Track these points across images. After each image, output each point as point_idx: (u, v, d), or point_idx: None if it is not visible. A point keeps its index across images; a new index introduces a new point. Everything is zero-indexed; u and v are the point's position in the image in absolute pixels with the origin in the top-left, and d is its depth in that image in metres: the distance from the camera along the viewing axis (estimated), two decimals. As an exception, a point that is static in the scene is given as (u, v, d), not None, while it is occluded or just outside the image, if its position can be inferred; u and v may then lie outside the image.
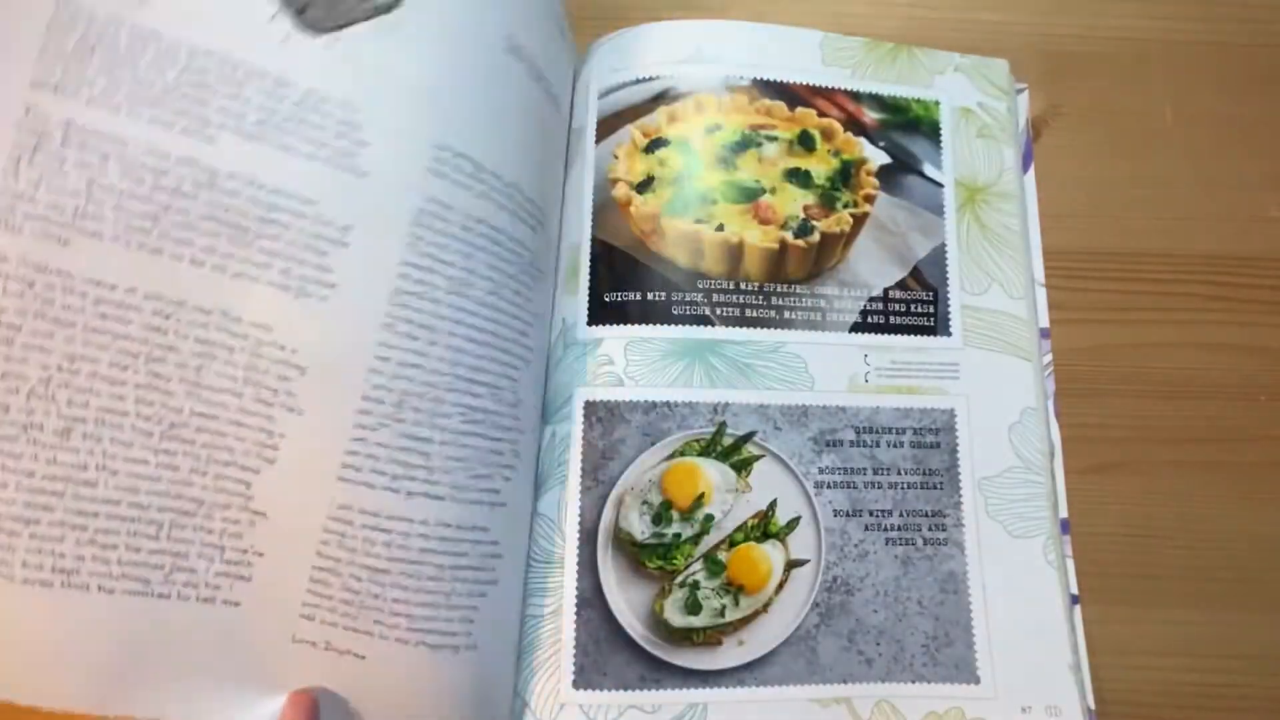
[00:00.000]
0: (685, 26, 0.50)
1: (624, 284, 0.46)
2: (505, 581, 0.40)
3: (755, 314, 0.46)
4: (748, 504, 0.44)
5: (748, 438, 0.44)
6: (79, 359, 0.32)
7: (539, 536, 0.43)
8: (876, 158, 0.49)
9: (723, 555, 0.43)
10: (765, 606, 0.42)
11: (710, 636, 0.41)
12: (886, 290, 0.47)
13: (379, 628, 0.35)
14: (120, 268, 0.32)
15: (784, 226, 0.47)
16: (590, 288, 0.46)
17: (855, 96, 0.50)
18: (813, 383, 0.45)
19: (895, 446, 0.45)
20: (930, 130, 0.50)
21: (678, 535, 0.43)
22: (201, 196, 0.33)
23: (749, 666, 0.41)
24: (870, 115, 0.50)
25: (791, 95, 0.50)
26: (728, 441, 0.44)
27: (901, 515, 0.44)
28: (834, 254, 0.48)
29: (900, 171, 0.49)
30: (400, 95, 0.36)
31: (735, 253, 0.46)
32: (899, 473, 0.45)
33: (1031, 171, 0.51)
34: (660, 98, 0.49)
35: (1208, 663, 0.43)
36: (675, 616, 0.41)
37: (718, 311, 0.46)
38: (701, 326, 0.45)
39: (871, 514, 0.44)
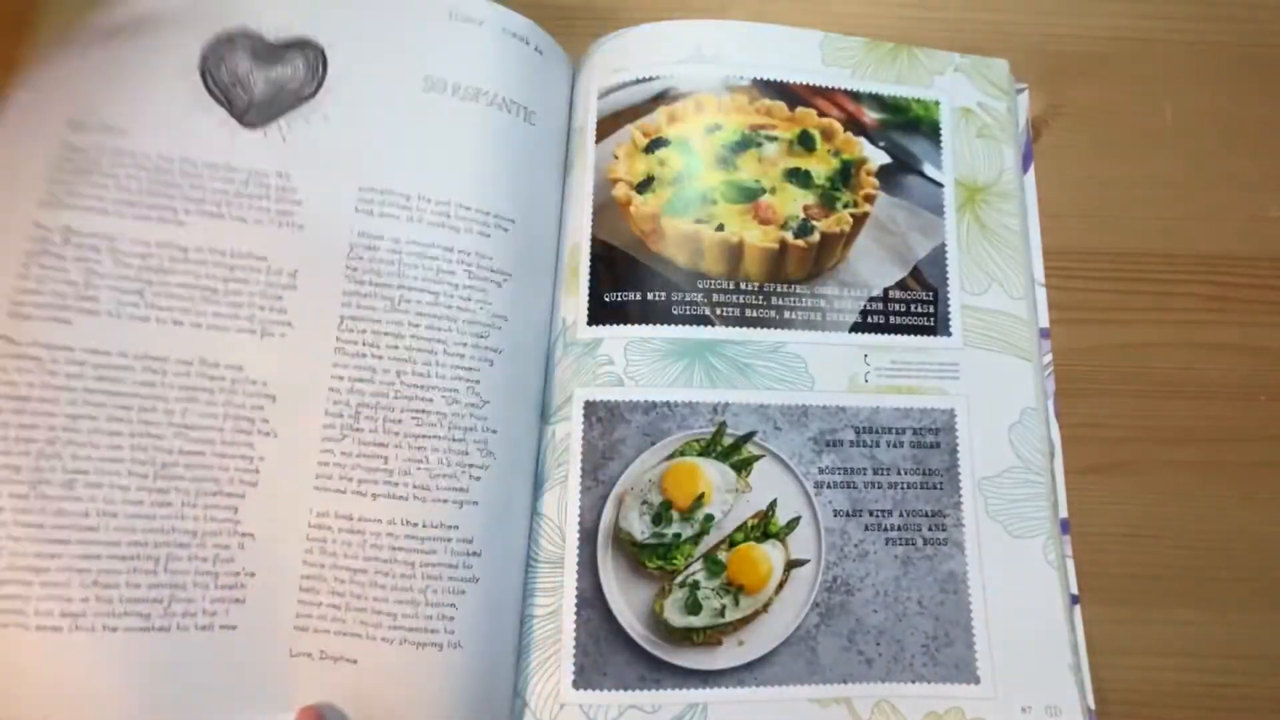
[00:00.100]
0: (685, 26, 0.50)
1: (624, 284, 0.46)
2: (490, 580, 0.40)
3: (755, 314, 0.46)
4: (748, 504, 0.44)
5: (748, 438, 0.44)
6: (80, 418, 0.37)
7: (539, 536, 0.43)
8: (876, 158, 0.49)
9: (723, 555, 0.43)
10: (765, 606, 0.42)
11: (710, 636, 0.41)
12: (886, 290, 0.47)
13: (365, 628, 0.38)
14: (113, 336, 0.38)
15: (784, 226, 0.47)
16: (590, 288, 0.46)
17: (855, 96, 0.50)
18: (813, 383, 0.45)
19: (895, 446, 0.45)
20: (930, 130, 0.50)
21: (678, 535, 0.43)
22: (178, 269, 0.40)
23: (749, 666, 0.41)
24: (870, 115, 0.50)
25: (791, 95, 0.50)
26: (728, 441, 0.44)
27: (901, 515, 0.44)
28: (834, 254, 0.48)
29: (900, 171, 0.49)
30: (323, 156, 0.42)
31: (735, 253, 0.46)
32: (899, 473, 0.45)
33: (1031, 171, 0.51)
34: (660, 98, 0.49)
35: (1208, 663, 0.43)
36: (675, 616, 0.41)
37: (718, 311, 0.46)
38: (701, 326, 0.45)
39: (871, 514, 0.44)
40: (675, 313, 0.45)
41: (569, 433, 0.44)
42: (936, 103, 0.50)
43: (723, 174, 0.48)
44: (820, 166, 0.49)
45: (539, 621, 0.41)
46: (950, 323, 0.47)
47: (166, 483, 0.38)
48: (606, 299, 0.46)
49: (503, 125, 0.45)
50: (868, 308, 0.47)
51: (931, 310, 0.47)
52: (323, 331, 0.41)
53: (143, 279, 0.39)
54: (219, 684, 0.37)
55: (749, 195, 0.48)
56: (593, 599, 0.41)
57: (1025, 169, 0.51)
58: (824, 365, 0.46)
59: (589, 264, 0.46)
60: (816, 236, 0.47)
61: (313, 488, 0.39)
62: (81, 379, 0.38)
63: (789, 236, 0.47)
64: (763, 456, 0.44)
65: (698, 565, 0.42)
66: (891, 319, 0.47)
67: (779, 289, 0.47)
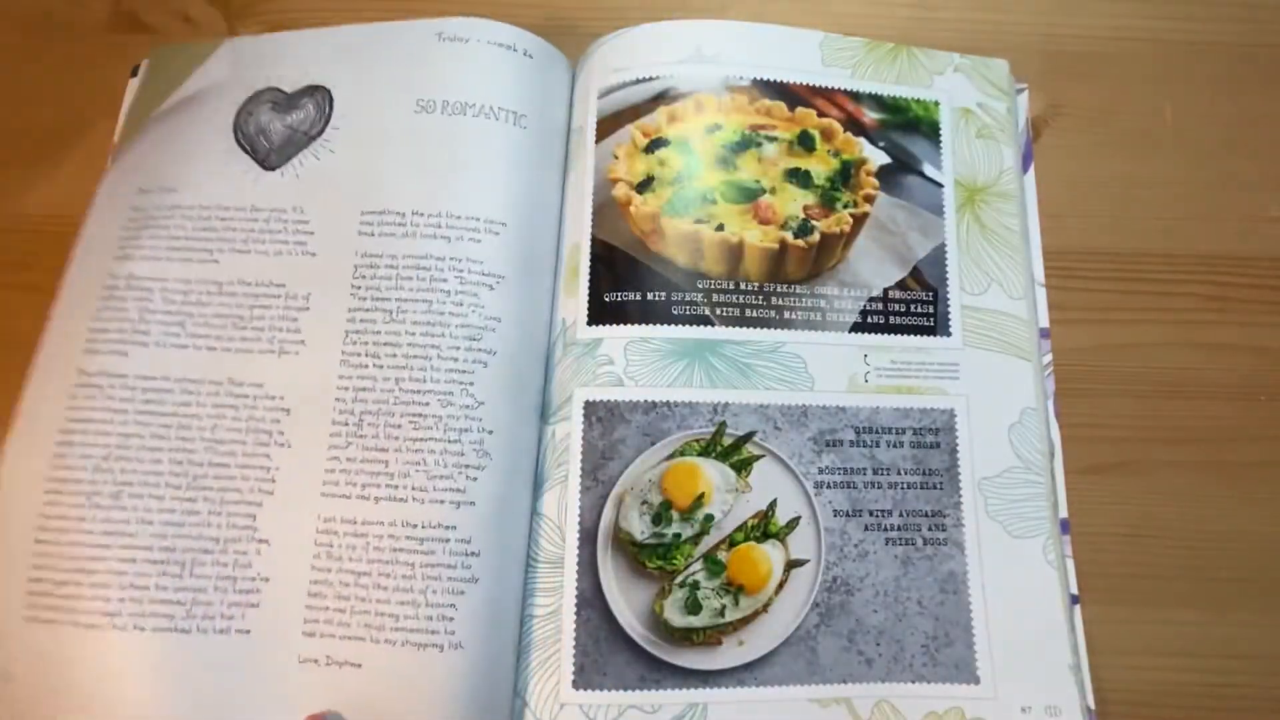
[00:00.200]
0: (685, 26, 0.50)
1: (624, 284, 0.46)
2: (489, 580, 0.40)
3: (755, 314, 0.46)
4: (748, 504, 0.44)
5: (748, 438, 0.44)
6: (130, 436, 0.42)
7: (539, 536, 0.43)
8: (876, 158, 0.49)
9: (723, 555, 0.43)
10: (765, 606, 0.42)
11: (710, 636, 0.41)
12: (886, 290, 0.47)
13: (369, 631, 0.39)
14: (158, 363, 0.43)
15: (784, 226, 0.47)
16: (590, 288, 0.46)
17: (855, 96, 0.50)
18: (813, 383, 0.45)
19: (895, 446, 0.45)
20: (930, 130, 0.50)
21: (678, 535, 0.43)
22: (213, 301, 0.44)
23: (749, 666, 0.41)
24: (870, 115, 0.50)
25: (791, 95, 0.50)
26: (728, 441, 0.44)
27: (901, 515, 0.44)
28: (834, 254, 0.48)
29: (900, 171, 0.49)
30: (329, 187, 0.46)
31: (735, 253, 0.46)
32: (899, 473, 0.45)
33: (1031, 171, 0.51)
34: (660, 98, 0.49)
35: (1207, 663, 0.43)
36: (675, 616, 0.41)
37: (718, 311, 0.46)
38: (701, 326, 0.45)
39: (871, 514, 0.44)
40: (675, 313, 0.45)
41: (569, 433, 0.44)
42: (936, 103, 0.51)
43: (723, 174, 0.48)
44: (820, 166, 0.49)
45: (539, 621, 0.41)
46: (950, 323, 0.47)
47: (196, 493, 0.41)
48: (606, 299, 0.46)
49: (490, 133, 0.46)
50: (868, 308, 0.47)
51: (931, 310, 0.47)
52: (330, 347, 0.43)
53: (184, 312, 0.44)
54: (232, 688, 0.39)
55: (749, 195, 0.48)
56: (593, 599, 0.42)
57: (1025, 169, 0.51)
58: (824, 365, 0.46)
59: (589, 264, 0.46)
60: (816, 236, 0.47)
61: (320, 494, 0.41)
62: (132, 402, 0.42)
63: (789, 236, 0.47)
64: (763, 456, 0.44)
65: (698, 565, 0.42)
66: (891, 319, 0.47)
67: (779, 289, 0.47)
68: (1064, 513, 0.45)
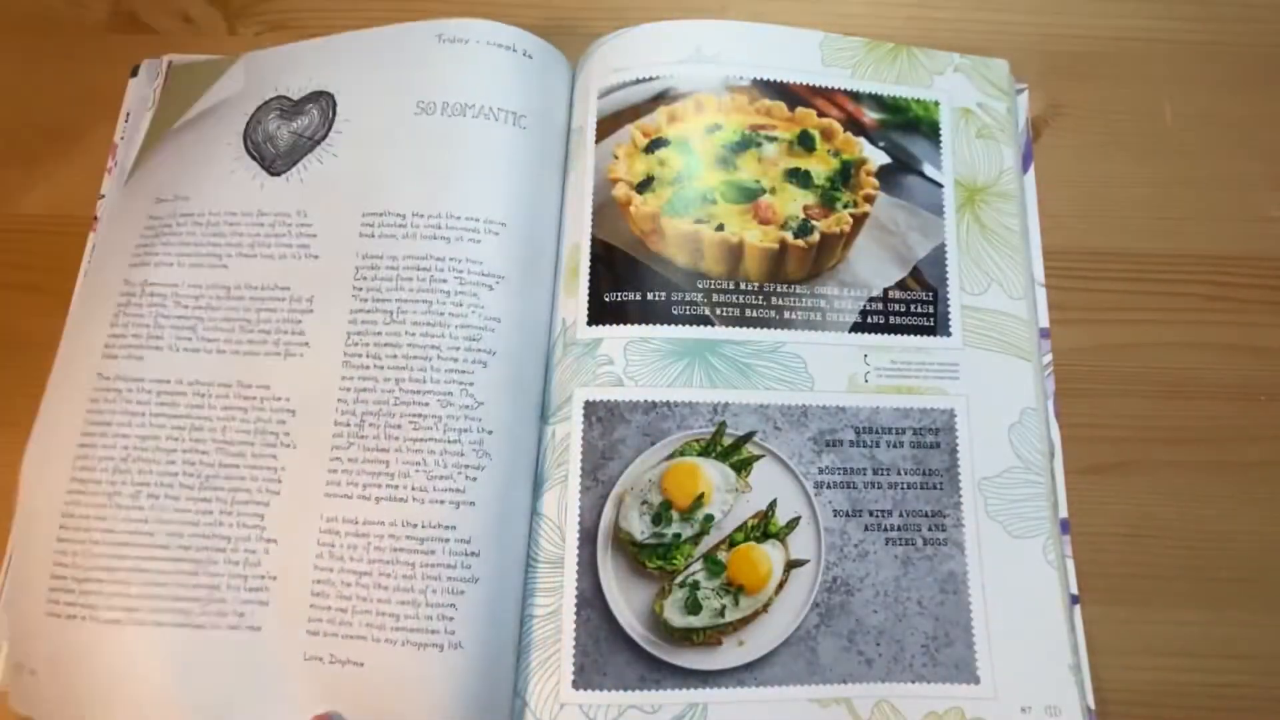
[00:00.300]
0: (685, 26, 0.50)
1: (624, 284, 0.46)
2: (489, 580, 0.40)
3: (755, 314, 0.46)
4: (748, 504, 0.44)
5: (748, 438, 0.44)
6: (147, 438, 0.43)
7: (539, 536, 0.43)
8: (876, 158, 0.49)
9: (723, 555, 0.43)
10: (765, 606, 0.42)
11: (710, 636, 0.41)
12: (886, 290, 0.47)
13: (370, 630, 0.39)
14: (172, 367, 0.44)
15: (784, 226, 0.47)
16: (590, 288, 0.46)
17: (855, 96, 0.50)
18: (812, 383, 0.45)
19: (895, 447, 0.45)
20: (930, 130, 0.50)
21: (678, 535, 0.43)
22: (222, 306, 0.45)
23: (749, 667, 0.41)
24: (870, 115, 0.50)
25: (791, 95, 0.50)
26: (728, 441, 0.44)
27: (901, 515, 0.44)
28: (834, 254, 0.48)
29: (900, 171, 0.49)
30: (332, 191, 0.46)
31: (735, 253, 0.46)
32: (899, 473, 0.45)
33: (1031, 171, 0.51)
34: (660, 98, 0.49)
35: (1207, 662, 0.43)
36: (675, 616, 0.41)
37: (718, 311, 0.46)
38: (701, 326, 0.45)
39: (871, 514, 0.44)
40: (675, 313, 0.45)
41: (569, 433, 0.44)
42: (936, 103, 0.51)
43: (723, 174, 0.48)
44: (820, 166, 0.49)
45: (539, 621, 0.41)
46: (950, 323, 0.47)
47: (209, 493, 0.42)
48: (606, 299, 0.46)
49: (490, 133, 0.46)
50: (867, 308, 0.47)
51: (931, 310, 0.47)
52: (333, 348, 0.44)
53: (195, 316, 0.45)
54: (240, 684, 0.40)
55: (749, 195, 0.48)
56: (593, 599, 0.42)
57: (1025, 169, 0.51)
58: (824, 365, 0.46)
59: (589, 264, 0.46)
60: (816, 236, 0.47)
61: (324, 494, 0.42)
62: (149, 405, 0.43)
63: (789, 236, 0.47)
64: (763, 456, 0.44)
65: (698, 565, 0.42)
66: (891, 319, 0.47)
67: (779, 289, 0.47)
68: (1064, 513, 0.45)
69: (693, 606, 0.41)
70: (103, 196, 0.50)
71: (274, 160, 0.47)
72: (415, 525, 0.40)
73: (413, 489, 0.41)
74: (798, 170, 0.48)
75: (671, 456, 0.44)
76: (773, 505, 0.44)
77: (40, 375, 0.47)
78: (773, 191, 0.48)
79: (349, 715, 0.39)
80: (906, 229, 0.48)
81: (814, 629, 0.42)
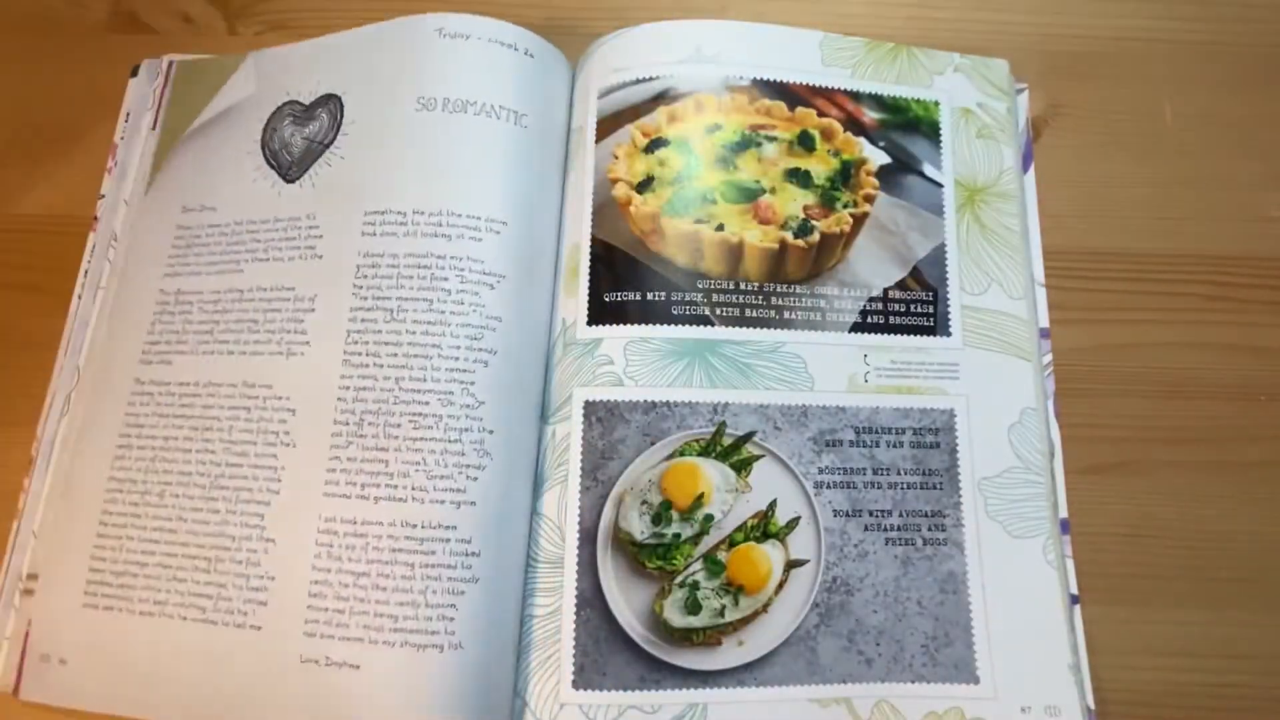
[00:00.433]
0: (685, 26, 0.50)
1: (624, 284, 0.46)
2: (490, 580, 0.40)
3: (755, 314, 0.46)
4: (747, 504, 0.44)
5: (748, 438, 0.44)
6: (170, 439, 0.44)
7: (539, 536, 0.43)
8: (876, 158, 0.49)
9: (722, 555, 0.43)
10: (765, 606, 0.42)
11: (710, 637, 0.41)
12: (886, 290, 0.47)
13: (368, 632, 0.39)
14: (192, 368, 0.45)
15: (784, 226, 0.47)
16: (590, 288, 0.46)
17: (855, 96, 0.50)
18: (812, 383, 0.45)
19: (895, 446, 0.45)
20: (930, 130, 0.50)
21: (677, 535, 0.43)
22: (235, 308, 0.46)
23: (749, 667, 0.41)
24: (870, 115, 0.50)
25: (791, 95, 0.50)
26: (728, 441, 0.44)
27: (901, 515, 0.44)
28: (834, 254, 0.48)
29: (900, 171, 0.49)
30: (338, 191, 0.47)
31: (735, 253, 0.46)
32: (899, 473, 0.45)
33: (1031, 171, 0.51)
34: (660, 98, 0.49)
35: (1207, 662, 0.43)
36: (675, 617, 0.41)
37: (718, 311, 0.46)
38: (701, 326, 0.45)
39: (871, 514, 0.44)
40: (675, 313, 0.45)
41: (569, 433, 0.44)
42: (936, 103, 0.51)
43: (723, 174, 0.48)
44: (820, 166, 0.49)
45: (539, 621, 0.41)
46: (950, 323, 0.47)
47: (217, 492, 0.43)
48: (606, 299, 0.46)
49: (491, 131, 0.46)
50: (867, 308, 0.47)
51: (931, 310, 0.47)
52: (333, 347, 0.44)
53: (212, 320, 0.46)
54: (241, 683, 0.40)
55: (749, 195, 0.48)
56: (593, 599, 0.42)
57: (1025, 169, 0.51)
58: (824, 365, 0.46)
59: (589, 264, 0.46)
60: (816, 236, 0.47)
61: (322, 494, 0.42)
62: (172, 406, 0.45)
63: (789, 236, 0.47)
64: (762, 456, 0.44)
65: (697, 565, 0.42)
66: (891, 319, 0.47)
67: (779, 289, 0.47)
68: (1064, 513, 0.45)
69: (693, 606, 0.41)
70: (103, 196, 0.50)
71: (290, 167, 0.48)
72: (415, 525, 0.40)
73: (412, 488, 0.41)
74: (798, 170, 0.48)
75: (671, 456, 0.44)
76: (773, 505, 0.44)
77: (40, 375, 0.47)
78: (773, 191, 0.48)
79: (348, 718, 0.39)
80: (906, 229, 0.48)
81: (814, 629, 0.42)
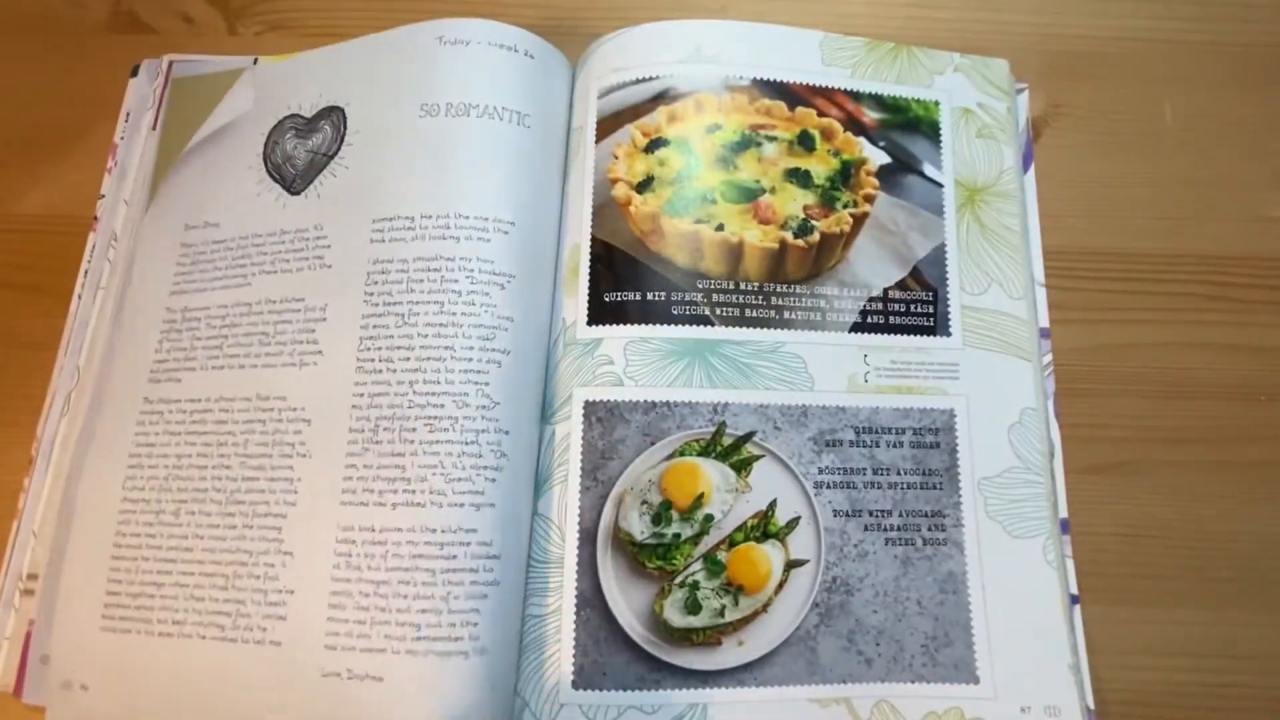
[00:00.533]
0: (685, 26, 0.50)
1: (624, 284, 0.46)
2: (507, 582, 0.40)
3: (755, 314, 0.46)
4: (747, 504, 0.44)
5: (747, 438, 0.44)
6: (183, 456, 0.44)
7: (539, 536, 0.43)
8: (876, 158, 0.49)
9: (722, 555, 0.43)
10: (765, 606, 0.42)
11: (710, 637, 0.41)
12: (886, 290, 0.47)
13: (390, 642, 0.39)
14: (202, 385, 0.45)
15: (784, 226, 0.47)
16: (590, 288, 0.46)
17: (855, 96, 0.50)
18: (812, 383, 0.45)
19: (895, 447, 0.45)
20: (930, 130, 0.50)
21: (677, 535, 0.43)
22: (244, 322, 0.46)
23: (749, 667, 0.41)
24: (870, 115, 0.50)
25: (791, 95, 0.50)
26: (728, 441, 0.44)
27: (901, 515, 0.44)
28: (834, 254, 0.48)
29: (900, 171, 0.49)
30: (344, 201, 0.47)
31: (735, 253, 0.46)
32: (899, 473, 0.45)
33: (1031, 171, 0.51)
34: (660, 97, 0.49)
35: (1207, 662, 0.43)
36: (675, 617, 0.41)
37: (717, 311, 0.46)
38: (701, 326, 0.45)
39: (871, 514, 0.44)
40: (675, 313, 0.45)
41: (569, 433, 0.44)
42: (936, 103, 0.50)
43: (723, 174, 0.48)
44: (820, 166, 0.49)
45: (539, 621, 0.41)
46: (950, 323, 0.47)
47: (233, 507, 0.43)
48: (606, 299, 0.46)
49: (495, 133, 0.46)
50: (867, 308, 0.47)
51: (931, 310, 0.47)
52: (346, 355, 0.43)
53: (221, 334, 0.46)
54: (263, 701, 0.40)
55: (749, 195, 0.48)
56: (593, 599, 0.42)
57: (1025, 169, 0.51)
58: (824, 365, 0.46)
59: (589, 264, 0.46)
60: (816, 236, 0.47)
61: (339, 503, 0.41)
62: (184, 424, 0.45)
63: (789, 236, 0.47)
64: (762, 456, 0.44)
65: (697, 565, 0.42)
66: (891, 319, 0.47)
67: (779, 289, 0.47)
68: (1064, 513, 0.45)
69: (693, 606, 0.41)
70: (103, 196, 0.50)
71: (294, 180, 0.48)
72: (435, 530, 0.40)
73: (431, 493, 0.40)
74: (798, 170, 0.48)
75: (671, 456, 0.44)
76: (773, 505, 0.44)
77: (40, 375, 0.47)
78: (773, 191, 0.48)
79: None
80: (906, 229, 0.48)
81: (814, 629, 0.42)
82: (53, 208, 0.51)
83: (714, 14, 0.54)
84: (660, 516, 0.43)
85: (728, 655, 0.41)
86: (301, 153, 0.48)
